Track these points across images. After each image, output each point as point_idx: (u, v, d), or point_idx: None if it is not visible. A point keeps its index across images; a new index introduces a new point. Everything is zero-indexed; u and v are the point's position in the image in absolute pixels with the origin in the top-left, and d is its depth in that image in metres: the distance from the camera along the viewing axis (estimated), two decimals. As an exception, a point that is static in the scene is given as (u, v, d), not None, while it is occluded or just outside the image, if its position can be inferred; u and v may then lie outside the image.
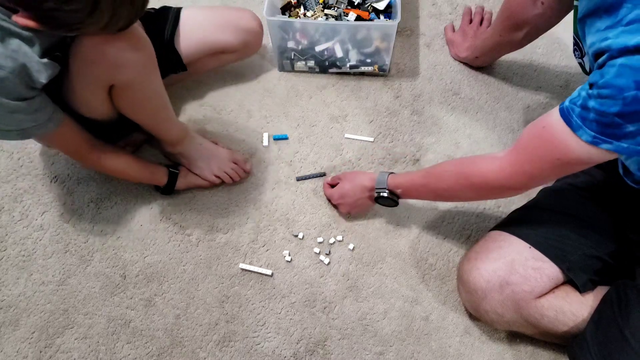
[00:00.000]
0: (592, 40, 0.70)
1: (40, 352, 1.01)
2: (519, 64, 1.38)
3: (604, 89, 0.65)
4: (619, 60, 0.63)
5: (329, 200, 1.17)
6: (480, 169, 0.88)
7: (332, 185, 1.15)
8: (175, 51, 1.12)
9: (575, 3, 0.80)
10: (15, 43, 0.76)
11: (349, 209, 1.12)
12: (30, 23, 0.70)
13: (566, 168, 0.78)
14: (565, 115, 0.72)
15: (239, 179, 1.17)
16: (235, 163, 1.16)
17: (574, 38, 0.87)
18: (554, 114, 0.74)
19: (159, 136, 1.11)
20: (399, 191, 1.02)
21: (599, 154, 0.71)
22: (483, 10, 1.42)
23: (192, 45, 1.14)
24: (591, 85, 0.68)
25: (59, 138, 0.94)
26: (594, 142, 0.69)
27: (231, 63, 1.28)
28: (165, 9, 1.12)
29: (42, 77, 0.80)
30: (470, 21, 1.41)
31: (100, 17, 0.71)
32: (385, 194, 1.02)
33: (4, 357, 1.00)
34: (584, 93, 0.69)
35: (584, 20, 0.74)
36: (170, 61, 1.12)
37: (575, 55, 0.90)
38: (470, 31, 1.38)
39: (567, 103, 0.73)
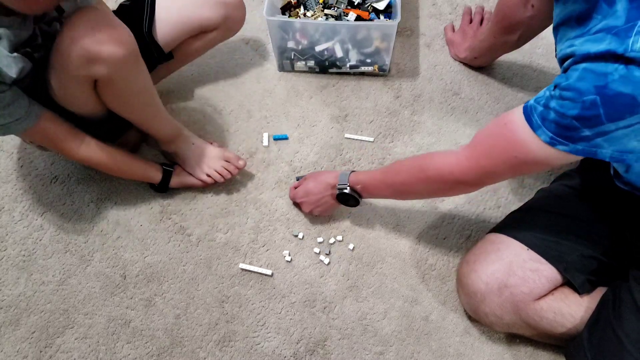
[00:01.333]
0: (560, 47, 0.71)
1: (40, 352, 1.01)
2: (519, 65, 1.38)
3: (565, 91, 0.66)
4: (582, 65, 0.64)
5: (293, 201, 1.16)
6: (436, 162, 0.88)
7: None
8: (156, 42, 1.08)
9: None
10: None
11: (312, 207, 1.10)
12: None
13: (522, 167, 0.78)
14: (527, 113, 0.73)
15: (230, 176, 1.15)
16: (227, 161, 1.15)
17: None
18: (517, 111, 0.75)
19: (150, 133, 1.11)
20: (358, 187, 1.01)
21: (556, 154, 0.71)
22: (483, 10, 1.42)
23: (170, 29, 1.09)
24: (555, 87, 0.68)
25: (42, 133, 0.93)
26: (551, 143, 0.70)
27: (218, 42, 1.22)
28: None
29: (12, 72, 0.81)
30: (470, 21, 1.41)
31: None
32: (346, 190, 1.02)
33: (4, 356, 1.01)
34: (547, 93, 0.70)
35: (558, 28, 0.75)
36: (152, 53, 1.08)
37: (557, 58, 0.90)
38: (470, 31, 1.38)
39: (531, 102, 0.73)
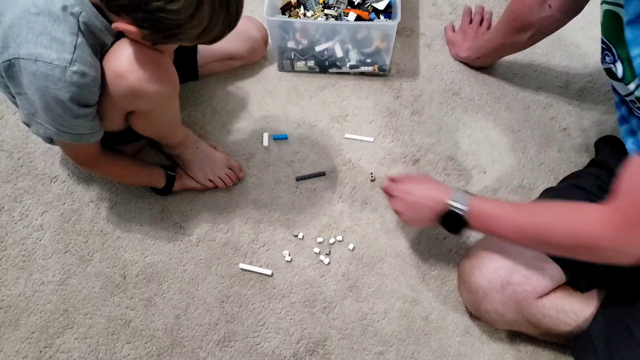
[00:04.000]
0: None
1: (40, 352, 1.01)
2: (519, 64, 1.38)
3: None
4: None
5: (385, 191, 1.02)
6: (586, 214, 0.74)
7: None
8: (195, 62, 1.15)
9: (606, 7, 0.76)
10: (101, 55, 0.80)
11: (403, 208, 0.97)
12: (131, 28, 0.72)
13: None
14: None
15: (232, 184, 1.17)
16: (230, 169, 1.16)
17: (604, 42, 0.81)
18: None
19: (161, 142, 1.13)
20: (466, 209, 0.87)
21: None
22: (483, 10, 1.42)
23: (204, 54, 1.20)
24: None
25: (85, 146, 0.93)
26: None
27: (236, 68, 1.31)
28: None
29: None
30: (471, 21, 1.41)
31: (200, 21, 0.71)
32: (461, 211, 0.87)
33: (4, 357, 1.00)
34: None
35: (630, 23, 0.68)
36: (187, 70, 1.13)
37: (606, 60, 0.82)
38: (471, 31, 1.38)
39: None
